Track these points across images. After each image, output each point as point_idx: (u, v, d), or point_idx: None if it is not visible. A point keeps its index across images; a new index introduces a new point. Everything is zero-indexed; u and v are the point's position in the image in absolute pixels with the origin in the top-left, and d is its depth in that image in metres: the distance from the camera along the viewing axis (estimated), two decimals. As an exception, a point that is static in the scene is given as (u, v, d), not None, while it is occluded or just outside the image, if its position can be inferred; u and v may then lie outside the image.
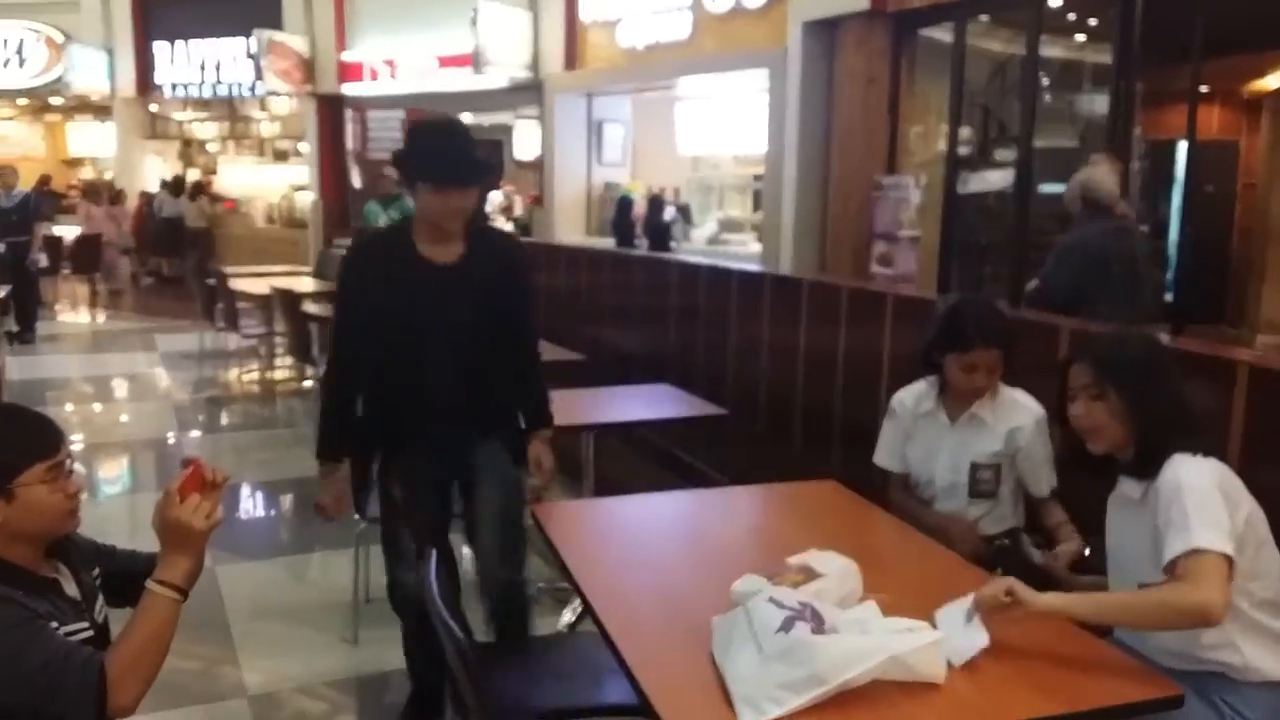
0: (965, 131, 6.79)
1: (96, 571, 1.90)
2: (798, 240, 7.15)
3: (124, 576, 1.90)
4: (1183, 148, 6.71)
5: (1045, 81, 6.68)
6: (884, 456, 2.80)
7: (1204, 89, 7.32)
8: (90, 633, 1.78)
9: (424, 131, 2.82)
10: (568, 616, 3.67)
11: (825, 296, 4.17)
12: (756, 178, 9.56)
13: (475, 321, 2.69)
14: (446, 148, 2.66)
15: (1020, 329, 3.13)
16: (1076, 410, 2.05)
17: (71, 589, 1.80)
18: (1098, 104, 6.81)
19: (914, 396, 2.74)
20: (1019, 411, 2.62)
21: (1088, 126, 6.86)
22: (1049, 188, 6.77)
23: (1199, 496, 1.84)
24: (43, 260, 10.18)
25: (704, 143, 10.79)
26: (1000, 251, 6.66)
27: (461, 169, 2.64)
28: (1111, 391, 1.99)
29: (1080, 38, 7.28)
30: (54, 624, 1.68)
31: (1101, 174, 4.44)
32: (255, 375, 8.28)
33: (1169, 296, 6.61)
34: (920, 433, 2.71)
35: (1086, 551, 2.42)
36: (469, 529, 2.87)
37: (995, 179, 6.81)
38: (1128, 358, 2.04)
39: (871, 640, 1.67)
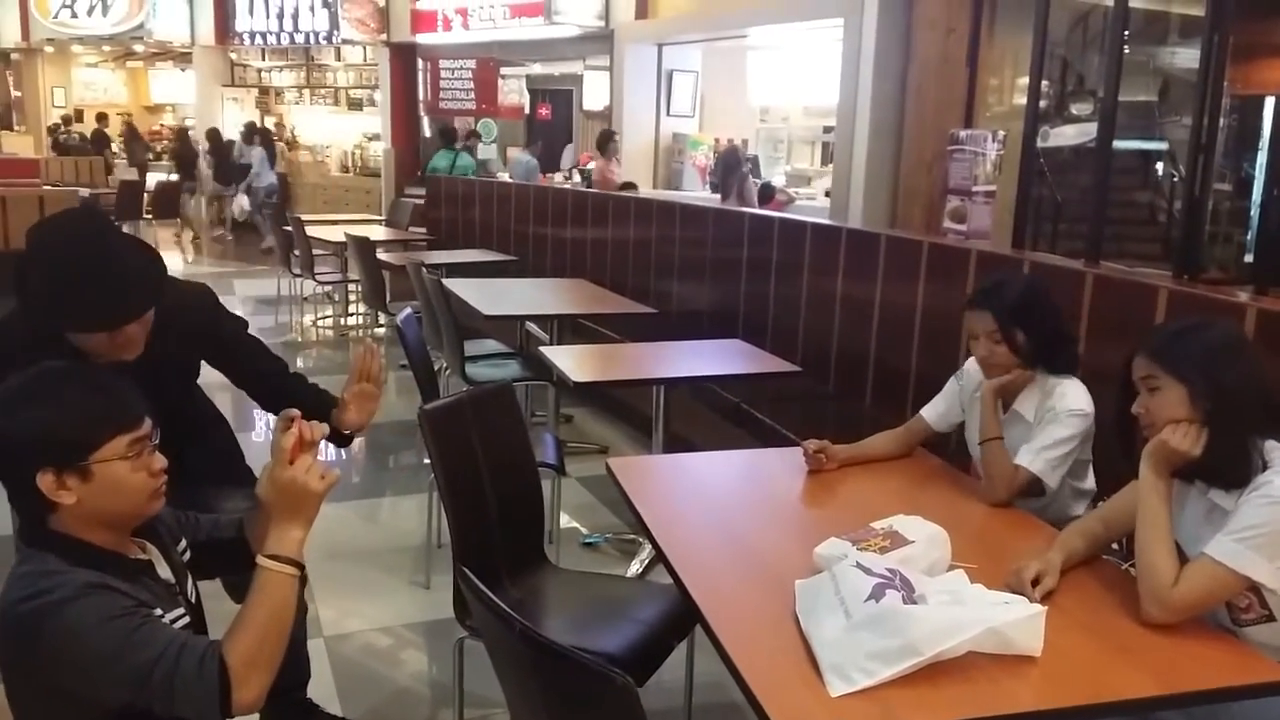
0: (1043, 85, 6.63)
1: (183, 545, 1.72)
2: (868, 194, 7.07)
3: (210, 546, 1.76)
4: (1270, 104, 6.50)
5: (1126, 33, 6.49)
6: (930, 411, 2.68)
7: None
8: (187, 618, 1.61)
9: (62, 264, 1.94)
10: (635, 567, 3.74)
11: (903, 252, 4.10)
12: (826, 130, 9.45)
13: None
14: (105, 276, 1.94)
15: (1116, 288, 3.12)
16: (1137, 406, 1.92)
17: (164, 570, 1.63)
18: (1180, 57, 6.61)
19: (979, 371, 2.58)
20: (1060, 402, 2.39)
21: (1168, 80, 6.67)
22: (1125, 143, 6.62)
23: None
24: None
25: (775, 93, 10.68)
26: (1078, 208, 6.53)
27: (132, 297, 1.97)
28: (1170, 382, 1.86)
29: (1169, -12, 7.05)
30: (157, 611, 1.50)
31: None
32: (330, 320, 8.51)
33: (1249, 258, 6.46)
34: (974, 413, 2.58)
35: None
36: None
37: (1072, 133, 6.66)
38: (1189, 345, 1.88)
39: (969, 611, 1.62)
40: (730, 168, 9.11)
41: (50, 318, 1.93)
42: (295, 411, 1.62)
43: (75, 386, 1.52)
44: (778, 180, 9.98)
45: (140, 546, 1.61)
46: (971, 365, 2.60)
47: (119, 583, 1.45)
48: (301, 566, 1.56)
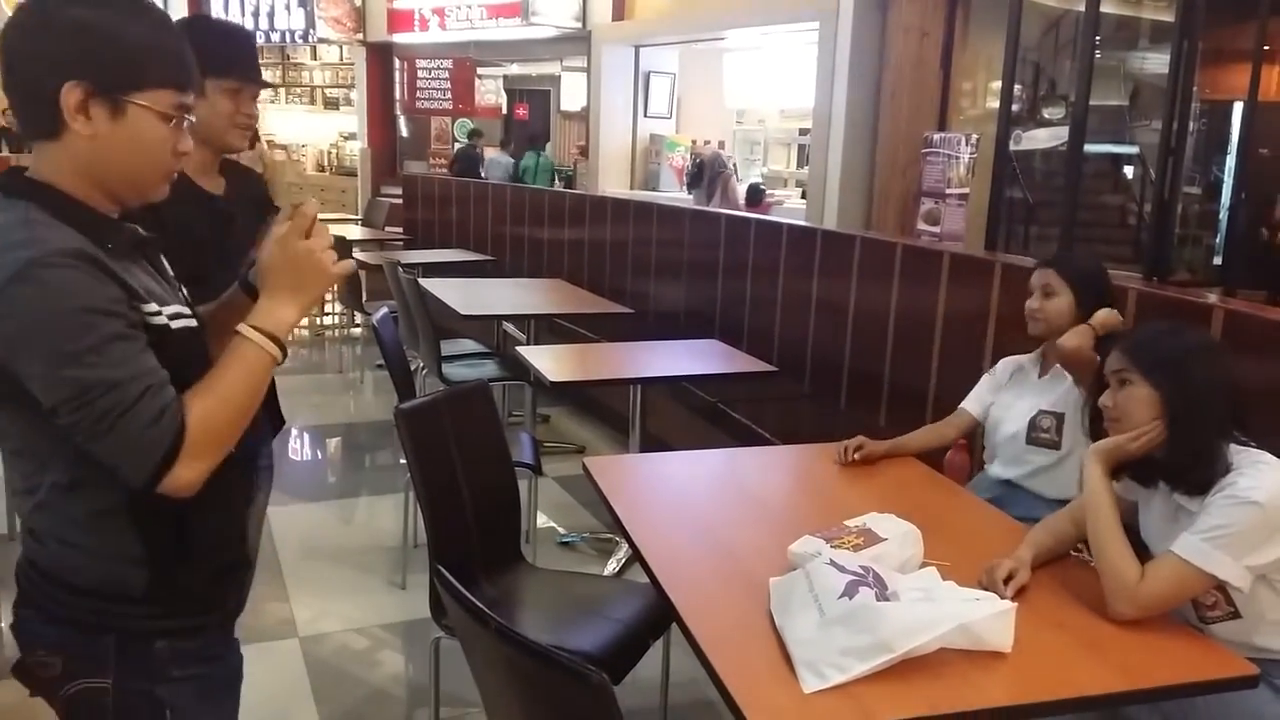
0: (1015, 88, 6.70)
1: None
2: (843, 196, 7.12)
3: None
4: (1239, 108, 6.59)
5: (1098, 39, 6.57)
6: (973, 404, 2.80)
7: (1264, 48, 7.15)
8: (193, 321, 1.38)
9: (205, 24, 2.49)
10: (612, 566, 3.75)
11: (878, 253, 4.12)
12: (802, 132, 9.51)
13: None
14: (240, 38, 2.21)
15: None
16: (1105, 399, 1.96)
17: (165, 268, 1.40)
18: (1150, 62, 6.70)
19: (1018, 360, 2.76)
20: None
21: (1139, 85, 6.76)
22: (1097, 146, 6.70)
23: (1256, 525, 1.74)
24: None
25: (751, 95, 10.72)
26: (1050, 211, 6.60)
27: (256, 64, 2.21)
28: (1140, 379, 1.90)
29: (1139, -7, 7.13)
30: (150, 304, 1.26)
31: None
32: (306, 320, 8.47)
33: (1217, 260, 6.56)
34: (1009, 389, 2.73)
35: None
36: None
37: (1044, 137, 6.73)
38: (1164, 346, 1.93)
39: (940, 608, 1.63)
40: (715, 171, 9.17)
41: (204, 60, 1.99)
42: (313, 200, 1.45)
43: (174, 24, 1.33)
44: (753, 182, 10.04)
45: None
46: (1009, 360, 2.75)
47: (110, 261, 1.21)
48: (284, 350, 1.34)
